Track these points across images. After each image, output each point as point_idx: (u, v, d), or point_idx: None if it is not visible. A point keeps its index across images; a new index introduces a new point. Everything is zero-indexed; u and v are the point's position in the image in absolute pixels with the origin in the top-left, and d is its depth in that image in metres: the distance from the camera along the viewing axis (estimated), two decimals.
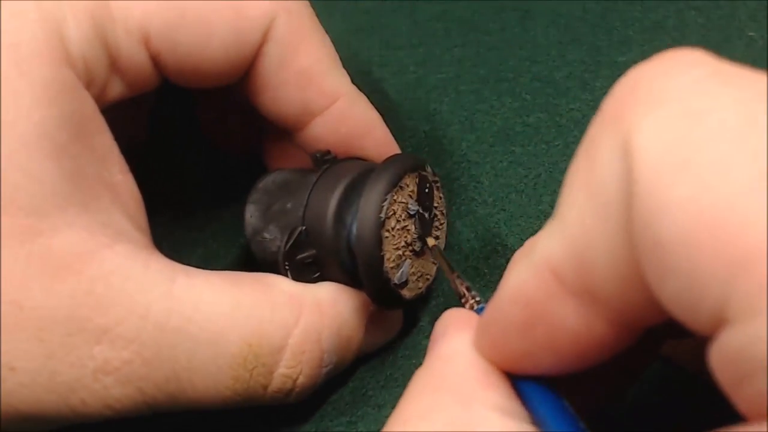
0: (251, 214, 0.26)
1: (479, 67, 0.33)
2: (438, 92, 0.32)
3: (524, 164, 0.30)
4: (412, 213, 0.24)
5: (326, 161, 0.25)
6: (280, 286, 0.23)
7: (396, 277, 0.23)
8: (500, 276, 0.27)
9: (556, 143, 0.30)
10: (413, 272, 0.24)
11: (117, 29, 0.22)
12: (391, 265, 0.23)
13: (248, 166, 0.31)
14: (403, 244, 0.23)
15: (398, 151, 0.27)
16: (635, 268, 0.13)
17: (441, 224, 0.25)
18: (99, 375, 0.20)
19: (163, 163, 0.31)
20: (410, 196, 0.24)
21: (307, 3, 0.25)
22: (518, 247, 0.28)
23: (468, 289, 0.22)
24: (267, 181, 0.26)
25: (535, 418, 0.16)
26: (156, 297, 0.21)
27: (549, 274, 0.15)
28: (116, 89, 0.23)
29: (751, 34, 0.32)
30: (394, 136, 0.27)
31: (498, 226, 0.28)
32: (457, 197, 0.29)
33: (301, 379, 0.22)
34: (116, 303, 0.20)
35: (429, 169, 0.24)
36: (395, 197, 0.23)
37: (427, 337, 0.26)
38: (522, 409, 0.16)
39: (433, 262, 0.25)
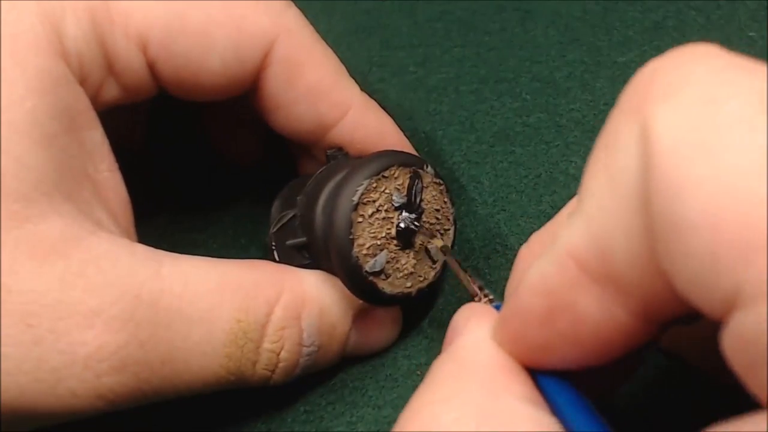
0: (274, 207, 0.27)
1: (479, 67, 0.33)
2: (438, 92, 0.32)
3: (524, 164, 0.30)
4: (396, 205, 0.23)
5: (335, 156, 0.26)
6: (263, 266, 0.23)
7: (368, 266, 0.23)
8: (500, 276, 0.27)
9: (556, 143, 0.30)
10: (398, 267, 0.24)
11: (116, 32, 0.22)
12: (364, 251, 0.23)
13: (249, 168, 0.31)
14: (383, 234, 0.23)
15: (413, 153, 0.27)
16: (654, 253, 0.13)
17: (446, 229, 0.25)
18: (91, 362, 0.19)
19: (163, 164, 0.31)
20: (397, 189, 0.23)
21: (305, 21, 0.25)
22: (518, 247, 0.28)
23: (481, 288, 0.22)
24: (297, 179, 0.27)
25: (557, 414, 0.16)
26: (146, 278, 0.21)
27: (572, 263, 0.15)
28: (112, 92, 0.23)
29: (751, 34, 0.32)
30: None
31: (498, 226, 0.28)
32: (457, 197, 0.29)
33: (283, 354, 0.23)
34: (108, 284, 0.20)
35: (430, 170, 0.24)
36: (376, 185, 0.23)
37: (427, 337, 0.26)
38: (545, 402, 0.16)
39: (431, 267, 0.24)
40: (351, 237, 0.22)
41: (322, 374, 0.25)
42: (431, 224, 0.24)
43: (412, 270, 0.24)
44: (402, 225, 0.23)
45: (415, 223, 0.24)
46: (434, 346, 0.26)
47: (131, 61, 0.23)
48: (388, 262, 0.23)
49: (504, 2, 0.35)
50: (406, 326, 0.26)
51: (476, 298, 0.21)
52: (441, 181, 0.25)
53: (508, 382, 0.16)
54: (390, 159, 0.23)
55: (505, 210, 0.29)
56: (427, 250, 0.24)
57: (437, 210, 0.25)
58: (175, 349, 0.21)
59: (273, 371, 0.23)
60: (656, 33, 0.33)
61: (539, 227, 0.28)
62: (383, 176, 0.23)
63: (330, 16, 0.34)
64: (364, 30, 0.34)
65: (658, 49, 0.34)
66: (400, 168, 0.23)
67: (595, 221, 0.15)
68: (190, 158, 0.32)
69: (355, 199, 0.22)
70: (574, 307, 0.15)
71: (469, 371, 0.17)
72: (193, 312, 0.21)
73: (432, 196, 0.24)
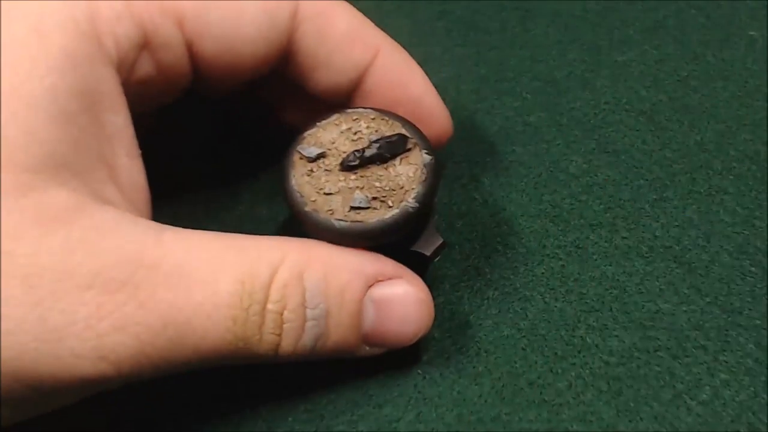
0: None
1: (480, 66, 0.33)
2: (438, 91, 0.32)
3: (525, 164, 0.30)
4: (311, 156, 0.23)
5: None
6: (267, 236, 0.23)
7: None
8: (500, 276, 0.28)
9: (557, 143, 0.30)
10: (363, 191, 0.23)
11: (152, 8, 0.23)
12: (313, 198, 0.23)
13: (251, 164, 0.31)
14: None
15: (437, 96, 0.27)
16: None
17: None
18: (91, 321, 0.20)
19: (166, 160, 0.31)
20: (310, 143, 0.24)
21: None
22: (518, 247, 0.28)
23: None
24: None
25: None
26: (148, 245, 0.21)
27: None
28: (145, 69, 0.24)
29: (751, 33, 0.32)
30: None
31: (498, 226, 0.28)
32: (457, 197, 0.29)
33: (287, 314, 0.22)
34: (109, 249, 0.20)
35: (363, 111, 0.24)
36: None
37: (427, 336, 0.26)
38: None
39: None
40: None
41: (322, 373, 0.25)
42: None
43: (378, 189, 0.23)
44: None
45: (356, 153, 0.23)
46: (435, 345, 0.26)
47: (168, 37, 0.23)
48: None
49: (504, 1, 0.35)
50: None
51: None
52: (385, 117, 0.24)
53: None
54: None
55: (505, 210, 0.29)
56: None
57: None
58: (177, 310, 0.21)
59: (279, 335, 0.22)
60: (656, 32, 0.33)
61: (539, 227, 0.28)
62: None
63: None
64: None
65: (659, 49, 0.34)
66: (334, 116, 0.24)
67: None
68: (191, 157, 0.32)
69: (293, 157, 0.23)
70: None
71: None
72: (194, 273, 0.21)
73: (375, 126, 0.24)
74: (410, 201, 0.23)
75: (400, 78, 0.26)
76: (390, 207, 0.23)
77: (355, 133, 0.24)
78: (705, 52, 0.32)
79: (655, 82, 0.32)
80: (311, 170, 0.23)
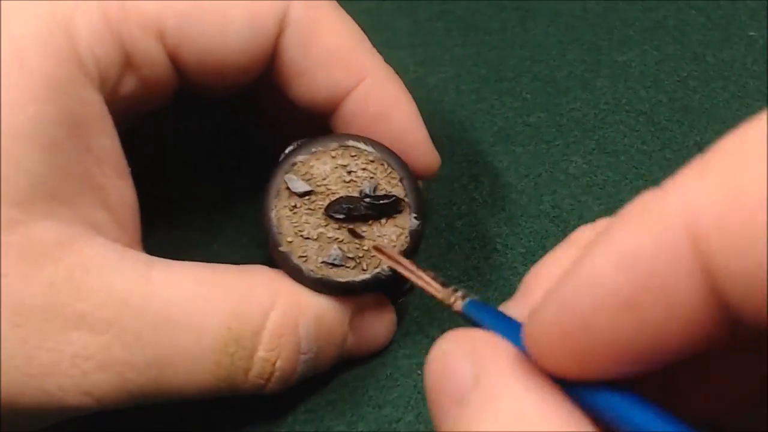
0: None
1: (479, 66, 0.33)
2: (438, 92, 0.32)
3: (524, 164, 0.30)
4: (299, 192, 0.23)
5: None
6: (258, 272, 0.23)
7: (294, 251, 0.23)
8: (500, 276, 0.27)
9: (557, 143, 0.30)
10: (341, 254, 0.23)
11: (131, 26, 0.22)
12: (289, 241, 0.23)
13: (250, 168, 0.31)
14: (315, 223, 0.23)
15: (423, 131, 0.25)
16: None
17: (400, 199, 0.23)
18: (77, 360, 0.20)
19: (165, 165, 0.31)
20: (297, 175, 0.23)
21: None
22: (518, 247, 0.28)
23: (443, 283, 0.18)
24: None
25: None
26: (135, 283, 0.21)
27: (683, 234, 0.11)
28: (129, 86, 0.23)
29: (751, 33, 0.32)
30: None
31: (498, 226, 0.28)
32: (457, 197, 0.29)
33: (279, 363, 0.22)
34: (95, 289, 0.20)
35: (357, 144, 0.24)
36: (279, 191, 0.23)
37: (428, 336, 0.26)
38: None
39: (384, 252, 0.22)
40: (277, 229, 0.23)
41: (321, 373, 0.25)
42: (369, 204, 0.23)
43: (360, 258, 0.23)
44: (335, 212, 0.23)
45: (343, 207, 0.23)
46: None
47: (150, 53, 0.23)
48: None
49: (504, 1, 0.35)
50: (407, 325, 0.26)
51: (439, 296, 0.18)
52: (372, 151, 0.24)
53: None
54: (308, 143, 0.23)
55: (505, 210, 0.29)
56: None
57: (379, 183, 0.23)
58: (162, 353, 0.21)
59: (267, 380, 0.23)
60: (656, 32, 0.33)
61: (539, 227, 0.28)
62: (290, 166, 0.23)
63: None
64: (364, 30, 0.34)
65: (658, 49, 0.34)
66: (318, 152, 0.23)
67: (738, 191, 0.11)
68: (191, 157, 0.32)
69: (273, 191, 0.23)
70: (670, 294, 0.12)
71: None
72: (181, 317, 0.21)
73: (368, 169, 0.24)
74: (385, 269, 0.23)
75: (383, 110, 0.25)
76: (364, 270, 0.23)
77: (350, 173, 0.23)
78: (705, 53, 0.32)
79: (655, 83, 0.32)
80: (295, 206, 0.23)
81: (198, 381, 0.21)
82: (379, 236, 0.23)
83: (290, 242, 0.23)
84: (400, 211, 0.23)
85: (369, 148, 0.23)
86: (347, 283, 0.23)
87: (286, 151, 0.24)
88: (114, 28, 0.22)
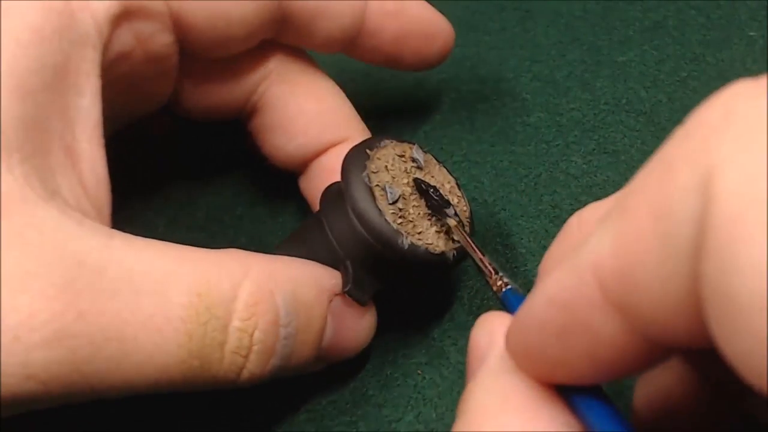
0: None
1: (479, 66, 0.33)
2: (438, 92, 0.32)
3: (524, 164, 0.30)
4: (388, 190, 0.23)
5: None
6: (228, 250, 0.21)
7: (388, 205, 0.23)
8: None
9: (557, 143, 0.30)
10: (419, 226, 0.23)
11: None
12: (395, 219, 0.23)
13: (249, 166, 0.31)
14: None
15: (434, 11, 0.28)
16: (693, 302, 0.12)
17: (455, 203, 0.24)
18: (21, 331, 0.17)
19: (165, 165, 0.32)
20: (386, 168, 0.24)
21: None
22: (518, 247, 0.28)
23: (495, 270, 0.21)
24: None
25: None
26: (92, 248, 0.18)
27: (592, 280, 0.14)
28: (123, 41, 0.22)
29: (751, 33, 0.32)
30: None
31: (498, 226, 0.28)
32: None
33: (257, 335, 0.20)
34: (48, 250, 0.18)
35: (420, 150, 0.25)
36: (379, 157, 0.24)
37: (428, 336, 0.26)
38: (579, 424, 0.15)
39: (454, 240, 0.24)
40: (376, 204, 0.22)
41: (321, 373, 0.25)
42: (441, 201, 0.24)
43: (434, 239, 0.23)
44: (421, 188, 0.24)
45: (430, 191, 0.24)
46: (434, 346, 0.26)
47: (152, 8, 0.22)
48: (410, 221, 0.23)
49: (504, 2, 0.35)
50: (406, 326, 0.26)
51: (490, 280, 0.20)
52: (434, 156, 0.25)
53: (549, 416, 0.15)
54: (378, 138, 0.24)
55: (505, 210, 0.29)
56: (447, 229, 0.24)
57: (444, 185, 0.25)
58: (123, 322, 0.18)
59: (246, 356, 0.20)
60: (656, 32, 0.33)
61: (539, 227, 0.28)
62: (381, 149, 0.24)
63: None
64: None
65: (658, 49, 0.34)
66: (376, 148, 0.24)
67: (628, 248, 0.13)
68: (191, 158, 0.32)
69: (365, 174, 0.23)
70: (589, 326, 0.14)
71: (507, 408, 0.15)
72: (144, 281, 0.19)
73: (437, 171, 0.25)
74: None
75: (395, 4, 0.26)
76: (455, 241, 0.23)
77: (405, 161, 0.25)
78: (705, 53, 0.32)
79: (655, 83, 0.32)
80: (399, 207, 0.23)
81: (167, 357, 0.19)
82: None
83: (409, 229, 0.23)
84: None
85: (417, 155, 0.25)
86: (443, 253, 0.23)
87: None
88: None
